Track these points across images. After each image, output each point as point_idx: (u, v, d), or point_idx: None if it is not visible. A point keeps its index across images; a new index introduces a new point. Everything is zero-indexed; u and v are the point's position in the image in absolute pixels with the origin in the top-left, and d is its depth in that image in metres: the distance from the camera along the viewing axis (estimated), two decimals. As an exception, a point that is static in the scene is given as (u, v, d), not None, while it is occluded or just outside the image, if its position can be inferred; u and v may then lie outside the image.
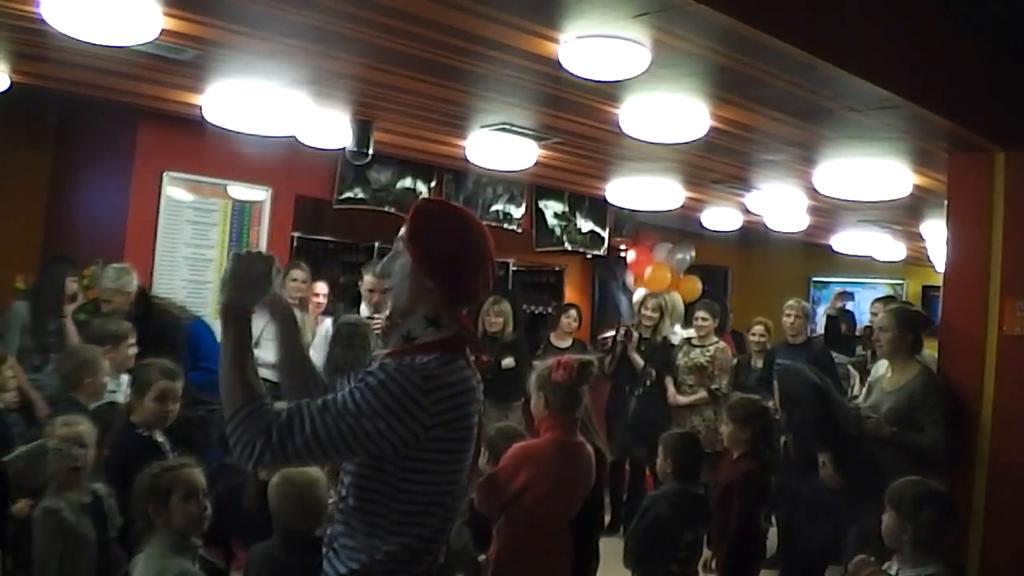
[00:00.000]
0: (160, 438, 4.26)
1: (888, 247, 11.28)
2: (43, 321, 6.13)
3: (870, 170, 6.61)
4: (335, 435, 2.21)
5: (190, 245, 7.41)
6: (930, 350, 5.84)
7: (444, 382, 2.30)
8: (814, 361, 7.20)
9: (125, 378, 5.07)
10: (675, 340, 8.52)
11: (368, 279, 6.19)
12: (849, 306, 9.09)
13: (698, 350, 8.04)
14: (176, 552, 3.26)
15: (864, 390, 6.16)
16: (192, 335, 6.45)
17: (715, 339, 8.11)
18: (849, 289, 9.72)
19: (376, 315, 6.10)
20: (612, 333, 8.59)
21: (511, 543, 3.90)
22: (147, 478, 3.37)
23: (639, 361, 8.17)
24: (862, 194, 7.02)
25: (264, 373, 6.87)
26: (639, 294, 9.88)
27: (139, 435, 4.21)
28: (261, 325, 7.35)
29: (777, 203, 8.70)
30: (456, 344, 2.41)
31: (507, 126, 6.49)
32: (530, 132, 6.65)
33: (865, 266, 12.56)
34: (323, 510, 3.59)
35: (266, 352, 7.24)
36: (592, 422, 4.58)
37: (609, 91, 5.25)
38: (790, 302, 7.69)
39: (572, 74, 4.69)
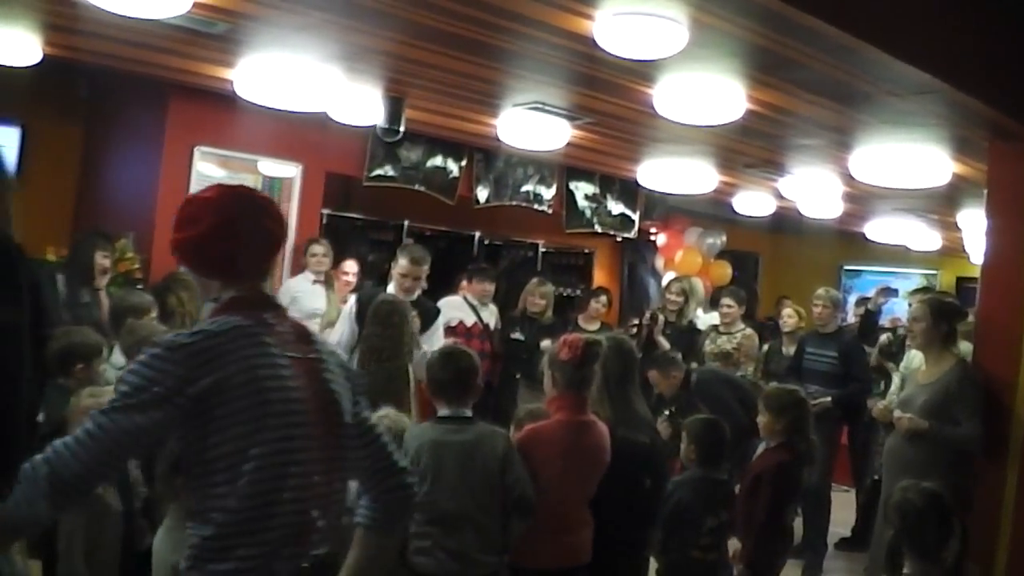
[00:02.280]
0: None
1: (923, 236, 11.16)
2: (76, 293, 6.17)
3: (908, 157, 6.51)
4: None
5: (220, 220, 7.37)
6: (965, 343, 5.74)
7: (193, 344, 2.24)
8: (843, 351, 7.14)
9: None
10: (700, 325, 8.48)
11: (403, 262, 6.15)
12: (892, 302, 8.91)
13: (724, 337, 7.97)
14: None
15: (897, 382, 6.09)
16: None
17: (741, 326, 8.04)
18: (890, 284, 9.51)
19: (407, 298, 6.06)
20: (638, 320, 8.55)
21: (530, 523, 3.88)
22: (170, 452, 3.35)
23: (665, 345, 8.12)
24: (898, 181, 6.92)
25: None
26: (667, 278, 9.82)
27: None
28: (285, 304, 7.40)
29: (811, 189, 8.60)
30: (232, 306, 2.38)
31: (540, 105, 6.43)
32: (563, 112, 6.58)
33: (899, 255, 12.43)
34: None
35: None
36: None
37: (644, 71, 5.19)
38: (819, 291, 7.60)
39: (607, 52, 4.62)
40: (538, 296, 8.03)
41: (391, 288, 6.23)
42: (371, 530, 2.59)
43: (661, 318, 8.28)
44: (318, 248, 7.45)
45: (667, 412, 5.93)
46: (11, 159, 7.29)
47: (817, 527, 7.08)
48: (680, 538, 4.55)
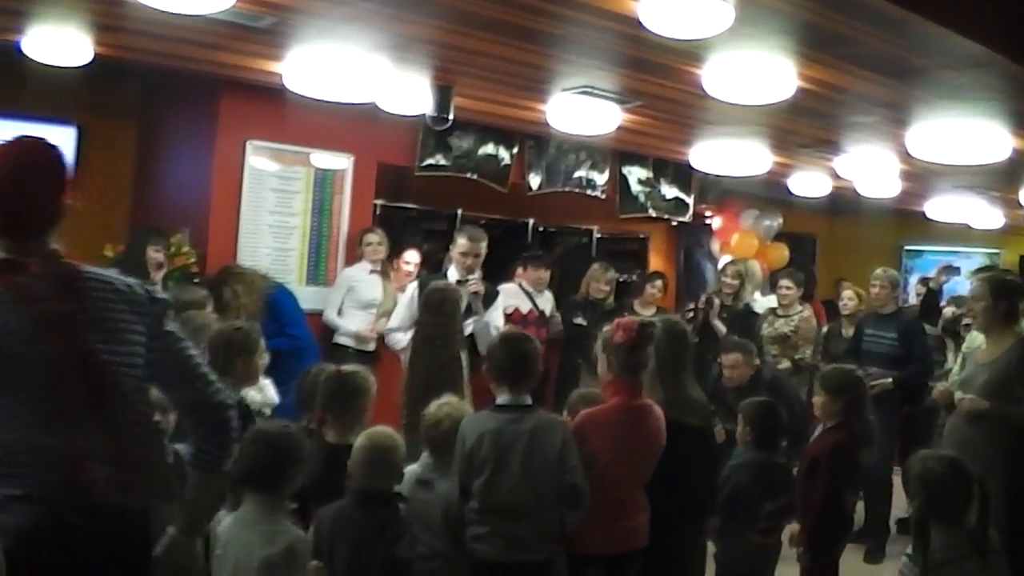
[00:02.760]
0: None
1: (985, 214, 10.93)
2: (132, 289, 6.25)
3: (965, 132, 6.38)
4: None
5: (274, 213, 7.45)
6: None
7: None
8: (904, 332, 7.04)
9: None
10: (758, 308, 8.42)
11: (461, 241, 6.23)
12: (954, 281, 8.74)
13: (782, 320, 7.92)
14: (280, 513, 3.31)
15: (958, 362, 5.99)
16: (275, 302, 6.54)
17: (799, 308, 7.97)
18: (952, 262, 9.31)
19: (471, 276, 6.13)
20: (694, 304, 8.52)
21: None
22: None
23: (721, 328, 8.09)
24: (957, 158, 6.79)
25: (343, 340, 7.01)
26: (722, 262, 9.74)
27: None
28: (342, 293, 7.51)
29: (868, 168, 8.46)
30: None
31: (588, 89, 6.38)
32: (612, 95, 6.53)
33: (960, 234, 12.19)
34: (399, 472, 3.66)
35: (348, 320, 7.41)
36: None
37: (692, 51, 5.13)
38: (877, 271, 7.51)
39: (653, 33, 4.58)
40: (603, 283, 8.07)
41: (452, 270, 6.29)
42: (193, 467, 2.64)
43: (717, 302, 8.25)
44: (373, 237, 7.48)
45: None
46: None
47: (878, 512, 7.00)
48: (738, 522, 4.53)
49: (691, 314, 8.40)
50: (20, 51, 5.86)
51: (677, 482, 4.19)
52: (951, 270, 8.10)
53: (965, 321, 6.99)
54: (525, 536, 3.76)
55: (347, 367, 4.25)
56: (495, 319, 6.25)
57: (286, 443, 3.32)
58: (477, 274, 6.30)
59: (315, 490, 3.69)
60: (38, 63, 5.97)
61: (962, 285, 9.41)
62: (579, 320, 7.94)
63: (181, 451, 3.76)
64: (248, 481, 3.28)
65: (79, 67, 6.06)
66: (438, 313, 5.69)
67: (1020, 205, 9.91)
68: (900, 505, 7.28)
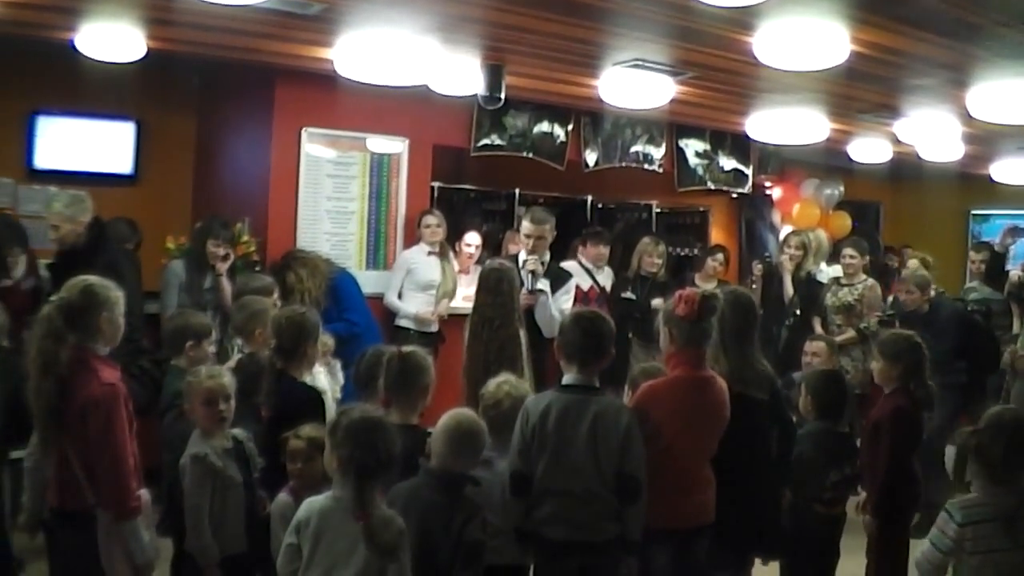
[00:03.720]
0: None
1: (1053, 175, 10.70)
2: (198, 280, 6.37)
3: (1027, 91, 6.25)
4: None
5: (331, 199, 7.53)
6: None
7: None
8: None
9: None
10: (822, 278, 8.33)
11: (526, 224, 6.24)
12: (1021, 243, 8.54)
13: (846, 289, 7.82)
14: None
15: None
16: (337, 287, 6.60)
17: (863, 277, 7.86)
18: (1019, 224, 9.06)
19: (529, 256, 6.12)
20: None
21: (652, 483, 3.82)
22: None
23: (789, 290, 8.05)
24: (1020, 117, 6.64)
25: (405, 323, 7.06)
26: (784, 232, 9.65)
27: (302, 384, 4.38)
28: (401, 276, 7.56)
29: (929, 131, 8.30)
30: None
31: (640, 62, 6.34)
32: (664, 67, 6.49)
33: (1030, 197, 11.96)
34: (480, 456, 3.68)
35: (408, 303, 7.47)
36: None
37: (742, 19, 5.07)
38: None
39: (702, 2, 4.54)
40: (656, 256, 7.99)
41: (521, 252, 6.29)
42: None
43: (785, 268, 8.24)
44: (431, 219, 7.52)
45: None
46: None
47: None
48: (804, 492, 4.49)
49: (753, 285, 8.36)
50: (75, 49, 5.96)
51: (743, 456, 4.15)
52: (1017, 231, 7.90)
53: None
54: (589, 518, 3.75)
55: (407, 348, 4.27)
56: (563, 303, 6.20)
57: (386, 434, 3.26)
58: (537, 256, 6.26)
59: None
60: (95, 60, 6.07)
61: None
62: (628, 294, 7.91)
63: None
64: (359, 472, 3.19)
65: (135, 62, 6.15)
66: (495, 293, 5.68)
67: (1090, 163, 9.69)
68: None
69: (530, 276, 6.05)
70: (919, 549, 3.64)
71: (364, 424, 3.25)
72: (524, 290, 5.93)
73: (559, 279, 6.31)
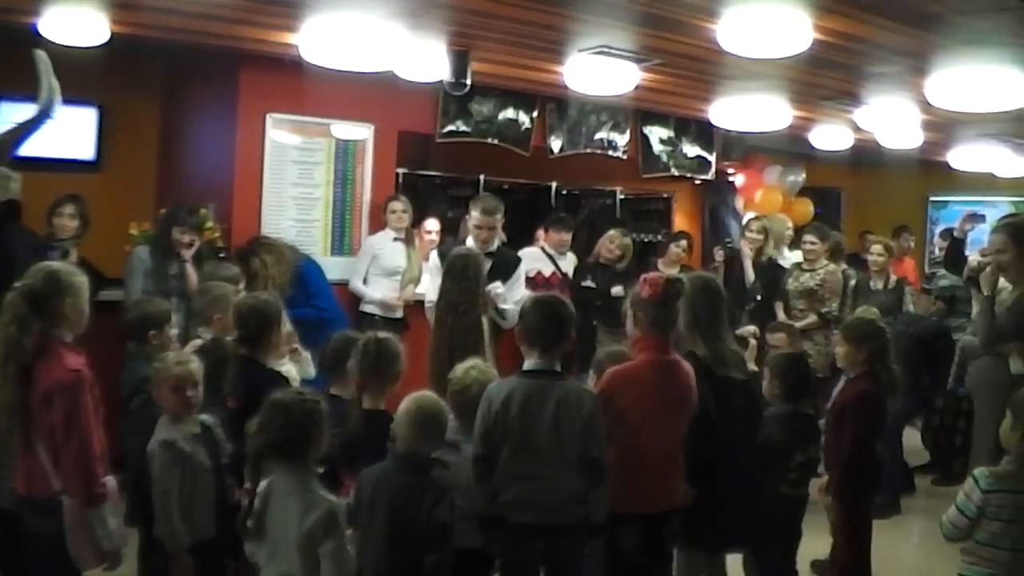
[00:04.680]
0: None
1: (1009, 162, 10.81)
2: (163, 266, 6.34)
3: (986, 79, 6.28)
4: None
5: (296, 185, 7.51)
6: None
7: None
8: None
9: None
10: (784, 263, 8.42)
11: (475, 214, 6.20)
12: (978, 229, 8.61)
13: (807, 274, 7.91)
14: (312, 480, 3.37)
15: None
16: (303, 274, 6.59)
17: (824, 262, 7.95)
18: (978, 210, 9.15)
19: (484, 250, 6.09)
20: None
21: (619, 465, 3.87)
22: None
23: (751, 275, 8.13)
24: (979, 105, 6.71)
25: (370, 308, 7.05)
26: (747, 218, 9.73)
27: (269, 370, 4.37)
28: (367, 262, 7.55)
29: (889, 119, 8.39)
30: None
31: (605, 49, 6.36)
32: (629, 54, 6.51)
33: (986, 183, 12.07)
34: (443, 437, 3.71)
35: (373, 288, 7.46)
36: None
37: (707, 5, 5.12)
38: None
39: (666, -12, 4.57)
40: (616, 246, 8.00)
41: (469, 242, 6.28)
42: None
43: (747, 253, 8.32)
44: (397, 205, 7.52)
45: None
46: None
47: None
48: (769, 474, 4.54)
49: (716, 270, 8.43)
50: (38, 33, 5.89)
51: (728, 437, 4.22)
52: (976, 218, 7.96)
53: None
54: (553, 502, 3.78)
55: (382, 334, 4.29)
56: (516, 292, 6.15)
57: (302, 410, 3.36)
58: (495, 246, 6.24)
59: (348, 454, 3.74)
60: (57, 45, 6.00)
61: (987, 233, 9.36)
62: (587, 282, 7.94)
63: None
64: (273, 453, 3.34)
65: (99, 47, 6.09)
66: (461, 279, 5.69)
67: (1046, 151, 9.82)
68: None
69: (495, 309, 5.98)
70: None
71: (271, 407, 3.35)
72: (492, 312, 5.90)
73: (508, 267, 6.25)
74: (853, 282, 8.06)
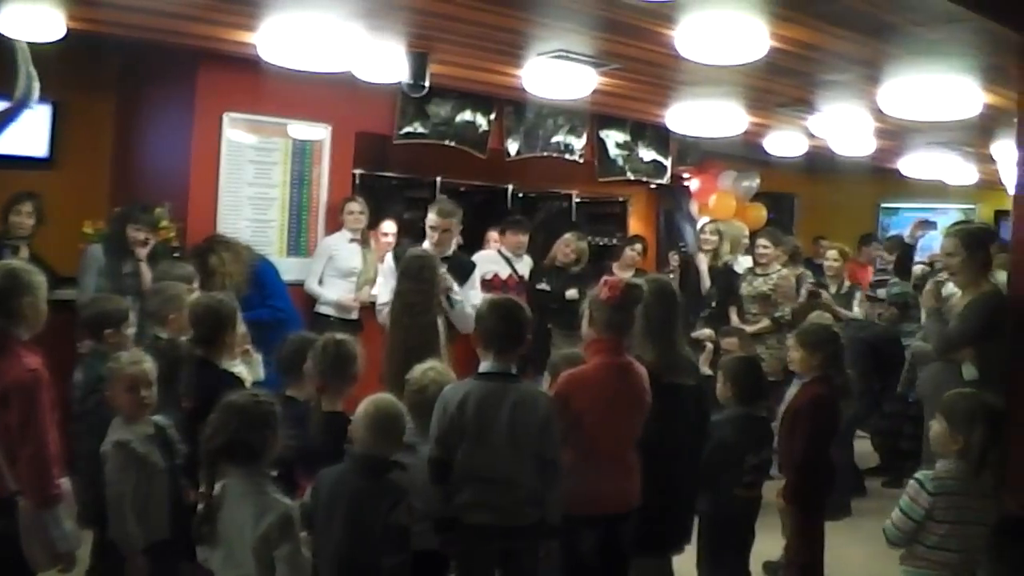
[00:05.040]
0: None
1: (959, 170, 11.00)
2: (117, 265, 6.29)
3: (938, 88, 6.38)
4: None
5: (253, 185, 7.46)
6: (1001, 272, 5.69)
7: None
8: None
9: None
10: (739, 269, 8.50)
11: (432, 216, 6.19)
12: (929, 235, 8.73)
13: (760, 279, 7.98)
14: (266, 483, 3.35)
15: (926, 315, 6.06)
16: (258, 274, 6.56)
17: (778, 267, 8.03)
18: (929, 218, 9.28)
19: (439, 252, 6.08)
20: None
21: (576, 468, 3.91)
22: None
23: (707, 282, 8.21)
24: (930, 114, 6.79)
25: (325, 310, 7.03)
26: (701, 223, 9.80)
27: (223, 371, 4.36)
28: (323, 263, 7.51)
29: (842, 126, 8.50)
30: None
31: (564, 53, 6.39)
32: (587, 58, 6.54)
33: (936, 190, 12.28)
34: (401, 439, 3.71)
35: (329, 290, 7.43)
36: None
37: (665, 11, 5.15)
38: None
39: (626, -6, 4.60)
40: (571, 249, 8.04)
41: (425, 244, 6.28)
42: None
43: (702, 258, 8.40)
44: (354, 206, 7.50)
45: None
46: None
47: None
48: (724, 476, 4.60)
49: (671, 275, 8.49)
50: (-8, 29, 5.82)
51: (677, 443, 4.29)
52: (927, 224, 8.06)
53: (937, 278, 7.07)
54: (509, 504, 3.80)
55: (339, 335, 4.29)
56: (473, 296, 6.12)
57: (256, 413, 3.35)
58: (451, 249, 6.26)
59: (306, 457, 3.73)
60: (13, 40, 5.93)
61: (937, 240, 9.50)
62: (542, 285, 7.97)
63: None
64: (226, 456, 3.32)
65: (54, 43, 6.01)
66: (417, 280, 5.70)
67: (993, 160, 9.97)
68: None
69: (445, 297, 5.96)
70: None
71: (224, 409, 3.34)
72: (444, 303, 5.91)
73: (463, 270, 6.24)
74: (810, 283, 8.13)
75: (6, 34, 5.80)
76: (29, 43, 5.88)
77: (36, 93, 5.23)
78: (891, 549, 3.97)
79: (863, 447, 8.09)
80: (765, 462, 4.71)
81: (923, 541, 3.83)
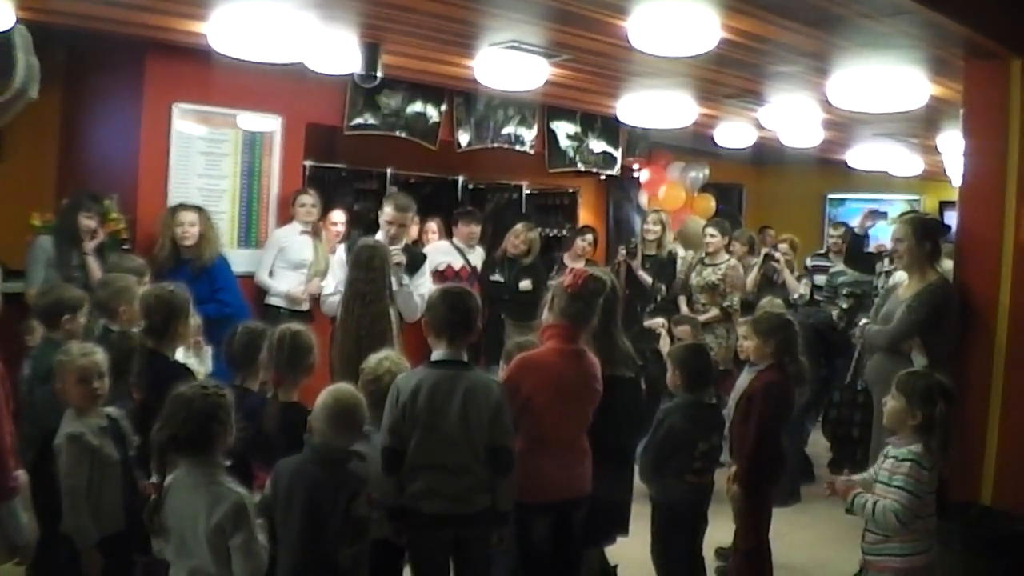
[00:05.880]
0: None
1: (904, 162, 11.18)
2: (67, 256, 6.21)
3: (885, 80, 6.48)
4: None
5: (203, 176, 7.40)
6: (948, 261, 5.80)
7: None
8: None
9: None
10: (681, 254, 8.61)
11: (388, 210, 6.20)
12: (880, 225, 8.84)
13: (709, 268, 8.04)
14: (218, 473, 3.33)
15: (878, 301, 6.14)
16: (213, 267, 6.52)
17: (725, 256, 8.10)
18: (879, 208, 9.39)
19: (392, 246, 6.08)
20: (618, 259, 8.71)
21: (527, 454, 3.95)
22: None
23: (647, 279, 8.28)
24: (877, 105, 6.89)
25: (275, 301, 7.01)
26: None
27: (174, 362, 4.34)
28: (273, 255, 7.47)
29: (791, 117, 8.59)
30: None
31: (516, 44, 6.41)
32: (539, 49, 6.56)
33: (882, 182, 12.47)
34: (361, 430, 3.71)
35: (279, 281, 7.39)
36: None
37: (617, 3, 5.19)
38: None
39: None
40: (521, 240, 8.04)
41: (379, 236, 6.28)
42: None
43: (639, 250, 8.44)
44: (307, 199, 7.46)
45: None
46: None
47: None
48: (673, 463, 4.64)
49: (618, 267, 8.54)
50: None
51: (615, 435, 4.32)
52: (877, 215, 8.16)
53: (887, 267, 7.17)
54: (461, 491, 3.82)
55: (294, 326, 4.28)
56: (421, 286, 6.18)
57: (205, 404, 3.31)
58: (403, 243, 6.30)
59: (262, 447, 3.72)
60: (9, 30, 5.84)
61: (885, 231, 9.63)
62: (495, 277, 7.99)
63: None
64: (176, 447, 3.29)
65: (2, 33, 5.93)
66: (368, 269, 5.73)
67: (938, 152, 10.13)
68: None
69: (395, 268, 6.00)
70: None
71: (173, 401, 3.33)
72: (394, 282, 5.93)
73: (413, 262, 6.26)
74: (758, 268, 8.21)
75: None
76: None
77: (36, 82, 5.14)
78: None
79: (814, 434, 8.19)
80: (715, 449, 4.75)
81: (920, 514, 3.91)
